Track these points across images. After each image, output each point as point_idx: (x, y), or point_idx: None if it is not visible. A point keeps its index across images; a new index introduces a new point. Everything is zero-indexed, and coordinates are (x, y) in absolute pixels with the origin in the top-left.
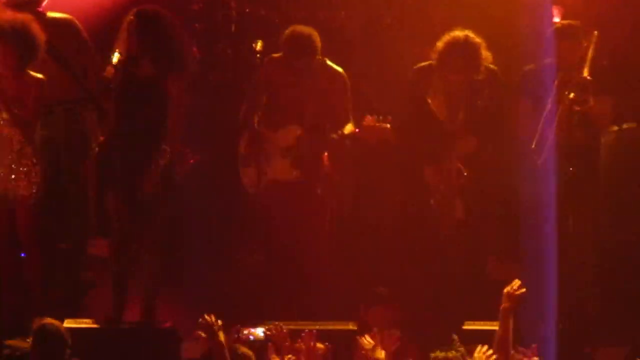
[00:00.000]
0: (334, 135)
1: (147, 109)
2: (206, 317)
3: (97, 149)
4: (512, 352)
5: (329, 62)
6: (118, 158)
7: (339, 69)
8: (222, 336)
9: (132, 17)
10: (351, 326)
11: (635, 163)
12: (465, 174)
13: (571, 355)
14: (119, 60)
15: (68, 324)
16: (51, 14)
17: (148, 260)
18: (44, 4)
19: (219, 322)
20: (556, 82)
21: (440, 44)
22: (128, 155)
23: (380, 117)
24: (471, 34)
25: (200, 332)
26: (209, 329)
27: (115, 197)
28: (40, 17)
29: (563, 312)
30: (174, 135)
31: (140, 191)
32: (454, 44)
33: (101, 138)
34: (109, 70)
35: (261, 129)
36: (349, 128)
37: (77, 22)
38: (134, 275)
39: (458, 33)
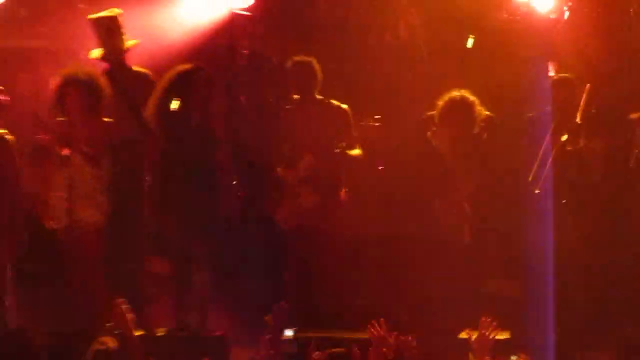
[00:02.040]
0: (337, 150)
1: (200, 146)
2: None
3: (150, 183)
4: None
5: (332, 100)
6: (177, 190)
7: (343, 105)
8: None
9: (189, 72)
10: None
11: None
12: (468, 210)
13: (562, 354)
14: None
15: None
16: (134, 68)
17: (201, 275)
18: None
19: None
20: (552, 126)
21: (440, 103)
22: (186, 189)
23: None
24: (467, 94)
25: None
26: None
27: (178, 221)
28: (125, 69)
29: (557, 321)
30: (225, 169)
31: (212, 215)
32: (451, 104)
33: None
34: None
35: (282, 169)
36: (356, 152)
37: (152, 76)
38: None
39: (455, 93)
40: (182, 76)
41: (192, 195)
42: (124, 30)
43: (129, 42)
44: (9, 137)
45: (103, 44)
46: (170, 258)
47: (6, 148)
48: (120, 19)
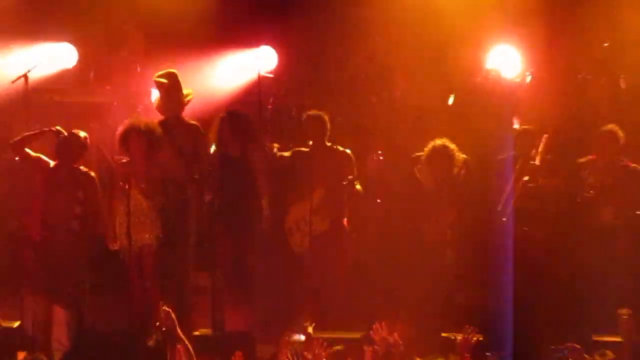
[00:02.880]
0: (345, 182)
1: (239, 177)
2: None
3: (206, 207)
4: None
5: (339, 146)
6: (225, 214)
7: (347, 150)
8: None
9: (224, 116)
10: (358, 335)
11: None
12: (450, 235)
13: (525, 350)
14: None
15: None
16: (187, 120)
17: (234, 286)
18: (184, 112)
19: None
20: (517, 167)
21: (426, 150)
22: (232, 212)
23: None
24: (447, 142)
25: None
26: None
27: (226, 240)
28: (180, 120)
29: (523, 323)
30: (261, 195)
31: (253, 234)
32: (434, 150)
33: (207, 198)
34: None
35: (296, 201)
36: (358, 187)
37: (199, 126)
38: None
39: (438, 142)
40: (216, 123)
41: (240, 215)
42: (181, 88)
43: (186, 92)
44: (92, 173)
45: (163, 101)
46: (209, 272)
47: (92, 183)
48: (179, 79)
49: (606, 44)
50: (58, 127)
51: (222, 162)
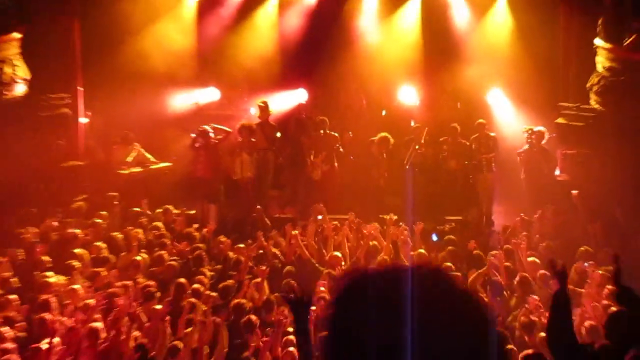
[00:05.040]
0: (335, 148)
1: (297, 148)
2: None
3: (280, 159)
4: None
5: (332, 132)
6: (290, 164)
7: (336, 134)
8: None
9: (295, 118)
10: (349, 216)
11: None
12: (385, 175)
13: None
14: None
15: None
16: (270, 121)
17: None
18: (270, 117)
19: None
20: (412, 144)
21: (376, 137)
22: (294, 163)
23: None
24: (386, 133)
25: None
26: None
27: (290, 175)
28: (268, 122)
29: (414, 209)
30: (308, 155)
31: (303, 172)
32: (381, 138)
33: (281, 159)
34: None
35: (313, 161)
36: (341, 150)
37: (275, 125)
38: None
39: (382, 133)
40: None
41: (298, 165)
42: (269, 107)
43: (271, 110)
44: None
45: (261, 113)
46: (280, 189)
47: (216, 150)
48: (268, 103)
49: (450, 87)
50: (202, 128)
51: (290, 140)
